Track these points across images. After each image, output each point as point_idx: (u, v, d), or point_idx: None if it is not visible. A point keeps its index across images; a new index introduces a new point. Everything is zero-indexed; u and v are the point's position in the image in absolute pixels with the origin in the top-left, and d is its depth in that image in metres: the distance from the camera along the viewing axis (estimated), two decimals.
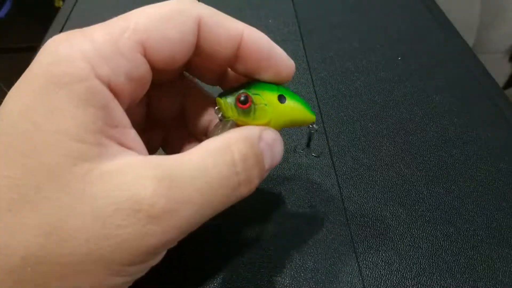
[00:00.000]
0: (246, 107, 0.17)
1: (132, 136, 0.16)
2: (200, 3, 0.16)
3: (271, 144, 0.17)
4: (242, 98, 0.17)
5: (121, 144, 0.15)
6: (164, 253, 0.15)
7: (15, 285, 0.13)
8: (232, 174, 0.15)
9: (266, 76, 0.18)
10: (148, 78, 0.16)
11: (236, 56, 0.17)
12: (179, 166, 0.14)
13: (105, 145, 0.14)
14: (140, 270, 0.15)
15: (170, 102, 0.21)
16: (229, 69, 0.20)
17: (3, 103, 0.14)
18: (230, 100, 0.18)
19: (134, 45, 0.15)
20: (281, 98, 0.18)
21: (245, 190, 0.16)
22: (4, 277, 0.13)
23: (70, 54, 0.14)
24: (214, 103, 0.19)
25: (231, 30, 0.16)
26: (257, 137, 0.17)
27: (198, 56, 0.17)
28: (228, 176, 0.15)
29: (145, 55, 0.15)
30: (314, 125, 0.20)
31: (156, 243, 0.14)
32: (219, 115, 0.19)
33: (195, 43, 0.16)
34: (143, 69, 0.15)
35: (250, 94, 0.18)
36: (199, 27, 0.16)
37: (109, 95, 0.14)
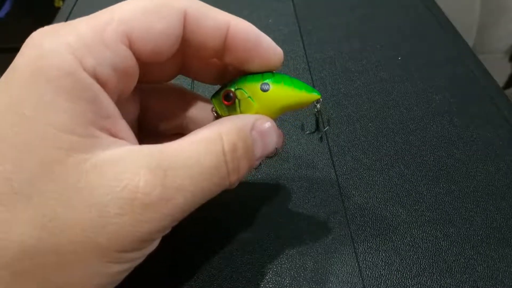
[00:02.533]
0: (230, 103, 0.18)
1: (123, 126, 0.16)
2: None
3: (263, 133, 0.17)
4: (226, 96, 0.18)
5: (113, 135, 0.15)
6: (158, 241, 0.16)
7: (13, 278, 0.13)
8: (222, 164, 0.15)
9: (255, 65, 0.18)
10: (135, 70, 0.16)
11: (224, 47, 0.17)
12: (172, 155, 0.15)
13: (97, 136, 0.14)
14: (137, 257, 0.15)
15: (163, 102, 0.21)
16: (229, 67, 0.20)
17: None
18: (218, 99, 0.19)
19: (118, 36, 0.15)
20: (264, 86, 0.18)
21: (234, 179, 0.16)
22: (1, 271, 0.13)
23: (55, 46, 0.14)
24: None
25: (217, 21, 0.17)
26: (250, 126, 0.17)
27: (187, 48, 0.17)
28: (219, 166, 0.15)
29: (130, 47, 0.15)
30: (318, 105, 0.20)
31: (151, 230, 0.14)
32: (215, 114, 0.19)
33: (181, 36, 0.16)
34: (128, 61, 0.15)
35: (233, 89, 0.18)
36: (185, 20, 0.16)
37: (97, 87, 0.14)
